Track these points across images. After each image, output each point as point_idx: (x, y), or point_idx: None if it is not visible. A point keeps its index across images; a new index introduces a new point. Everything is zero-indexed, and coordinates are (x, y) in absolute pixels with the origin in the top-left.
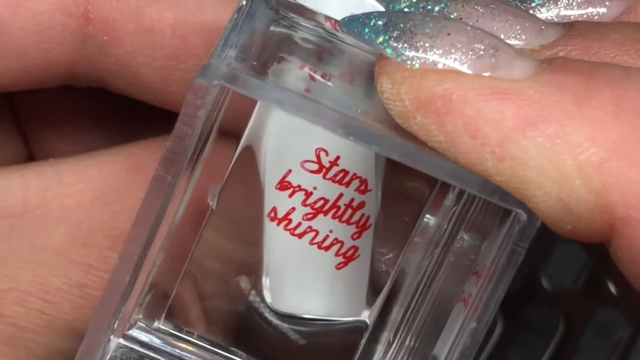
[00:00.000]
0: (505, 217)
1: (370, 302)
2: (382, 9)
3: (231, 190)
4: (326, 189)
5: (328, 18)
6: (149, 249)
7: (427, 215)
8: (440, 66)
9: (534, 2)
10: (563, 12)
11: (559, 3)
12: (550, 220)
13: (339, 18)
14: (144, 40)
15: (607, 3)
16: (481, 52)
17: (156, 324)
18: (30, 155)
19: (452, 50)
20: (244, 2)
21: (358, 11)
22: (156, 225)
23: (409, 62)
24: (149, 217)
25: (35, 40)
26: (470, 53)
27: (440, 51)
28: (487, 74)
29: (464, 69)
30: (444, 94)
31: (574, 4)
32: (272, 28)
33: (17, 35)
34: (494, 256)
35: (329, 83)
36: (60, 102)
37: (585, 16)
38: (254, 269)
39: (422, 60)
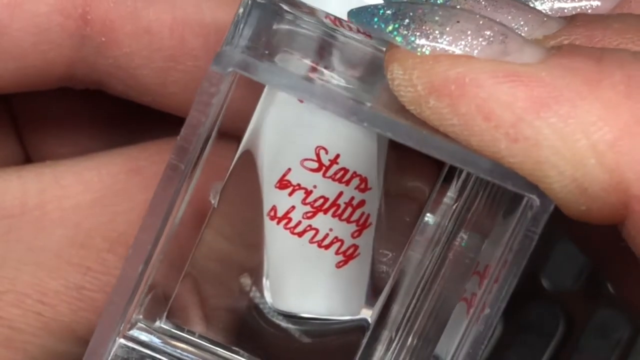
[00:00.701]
0: (513, 207)
1: (371, 302)
2: None
3: (231, 192)
4: (326, 188)
5: (327, 15)
6: (161, 238)
7: (428, 214)
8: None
9: None
10: (557, 5)
11: None
12: (564, 202)
13: (338, 15)
14: (141, 41)
15: None
16: (491, 39)
17: (157, 324)
18: (27, 158)
19: (462, 37)
20: None
21: None
22: (169, 214)
23: (419, 50)
24: (162, 206)
25: (34, 42)
26: (480, 39)
27: (450, 38)
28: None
29: (475, 55)
30: (457, 77)
31: None
32: (274, 23)
33: (16, 36)
34: (503, 248)
35: (333, 74)
36: (58, 105)
37: (579, 9)
38: (254, 270)
39: (432, 48)
